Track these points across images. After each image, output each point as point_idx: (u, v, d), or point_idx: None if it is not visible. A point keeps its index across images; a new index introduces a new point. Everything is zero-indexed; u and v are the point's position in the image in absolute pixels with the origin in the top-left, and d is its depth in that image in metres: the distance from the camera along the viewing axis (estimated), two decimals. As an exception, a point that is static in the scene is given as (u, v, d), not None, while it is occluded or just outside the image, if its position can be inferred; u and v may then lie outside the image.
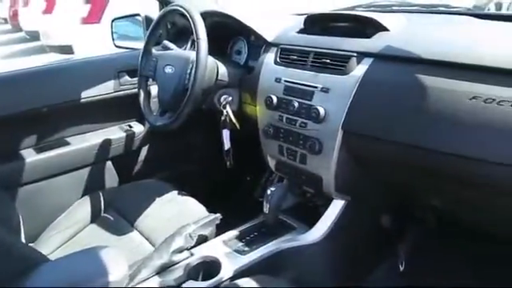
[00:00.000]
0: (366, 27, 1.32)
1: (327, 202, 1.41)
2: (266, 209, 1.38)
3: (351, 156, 1.28)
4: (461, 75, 1.05)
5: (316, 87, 1.30)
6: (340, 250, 1.43)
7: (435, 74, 1.09)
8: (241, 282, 1.18)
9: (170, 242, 1.31)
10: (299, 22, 1.52)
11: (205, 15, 1.62)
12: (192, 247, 1.34)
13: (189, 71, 1.43)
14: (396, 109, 1.15)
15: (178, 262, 1.28)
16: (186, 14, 1.43)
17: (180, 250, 1.30)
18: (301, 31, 1.49)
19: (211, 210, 1.50)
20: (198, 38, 1.39)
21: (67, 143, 1.71)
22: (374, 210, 1.51)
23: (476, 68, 1.04)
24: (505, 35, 1.17)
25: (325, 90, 1.28)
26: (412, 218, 1.61)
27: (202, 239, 1.39)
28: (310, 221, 1.42)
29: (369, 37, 1.28)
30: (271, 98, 1.40)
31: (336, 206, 1.39)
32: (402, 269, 1.61)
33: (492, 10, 2.10)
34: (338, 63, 1.28)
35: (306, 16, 1.49)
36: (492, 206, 1.09)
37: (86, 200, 1.61)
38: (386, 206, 1.53)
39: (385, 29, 1.28)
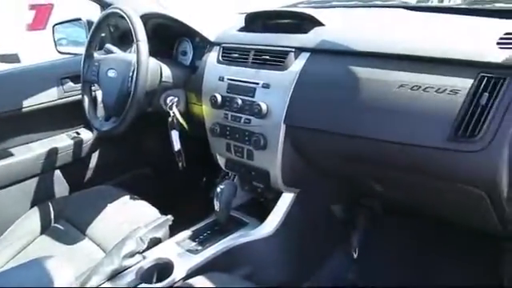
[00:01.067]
0: (303, 23, 1.36)
1: (277, 195, 1.44)
2: (216, 207, 1.39)
3: (296, 149, 1.31)
4: (389, 65, 1.10)
5: (257, 84, 1.33)
6: (293, 241, 1.46)
7: (367, 65, 1.14)
8: (193, 280, 1.19)
9: (120, 247, 1.29)
10: (241, 21, 1.53)
11: (146, 17, 1.61)
12: (144, 250, 1.34)
13: (131, 74, 1.42)
14: (333, 101, 1.18)
15: (129, 267, 1.27)
16: (125, 16, 1.42)
17: (131, 254, 1.29)
18: (242, 29, 1.51)
19: (165, 212, 1.49)
20: (137, 40, 1.38)
21: (11, 154, 1.66)
22: (324, 200, 1.55)
23: (403, 57, 1.09)
24: (432, 26, 1.23)
25: (266, 86, 1.31)
26: (361, 206, 1.66)
27: (155, 242, 1.39)
28: (262, 216, 1.45)
29: (305, 32, 1.31)
30: (215, 96, 1.41)
31: (285, 199, 1.42)
32: (355, 256, 1.67)
33: (435, 2, 2.19)
34: (276, 59, 1.31)
35: (246, 14, 1.51)
36: (428, 189, 1.15)
37: (35, 211, 1.57)
38: (336, 195, 1.57)
39: (320, 24, 1.32)
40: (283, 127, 1.28)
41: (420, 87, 1.03)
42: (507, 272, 1.33)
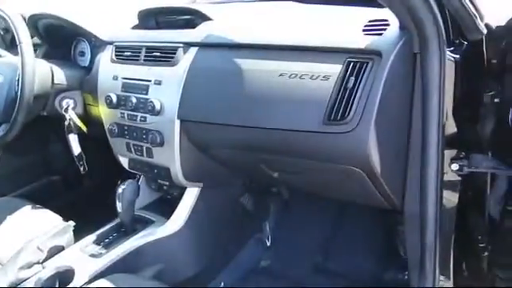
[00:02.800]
0: (193, 19, 1.37)
1: (182, 192, 1.45)
2: (119, 208, 1.37)
3: (193, 143, 1.32)
4: (271, 56, 1.14)
5: (150, 81, 1.32)
6: (201, 236, 1.48)
7: (251, 56, 1.17)
8: (94, 284, 1.16)
9: (15, 259, 1.23)
10: (134, 18, 1.51)
11: (36, 18, 1.55)
12: (45, 260, 1.29)
13: (17, 78, 1.36)
14: (222, 93, 1.21)
15: (27, 278, 1.22)
16: (6, 17, 1.35)
17: (29, 265, 1.24)
18: (135, 27, 1.50)
19: (74, 219, 1.44)
20: (20, 42, 1.32)
21: None
22: (231, 192, 1.58)
23: (282, 48, 1.14)
24: (308, 16, 1.29)
25: (158, 83, 1.30)
26: (271, 194, 1.71)
27: (58, 250, 1.34)
28: (170, 213, 1.45)
29: (194, 27, 1.33)
30: (110, 96, 1.39)
31: (190, 195, 1.43)
32: (268, 243, 1.71)
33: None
34: (167, 55, 1.31)
35: (138, 11, 1.49)
36: (315, 172, 1.20)
37: None
38: (243, 186, 1.60)
39: (209, 19, 1.34)
40: (178, 123, 1.28)
41: (297, 75, 1.07)
42: (401, 242, 1.43)
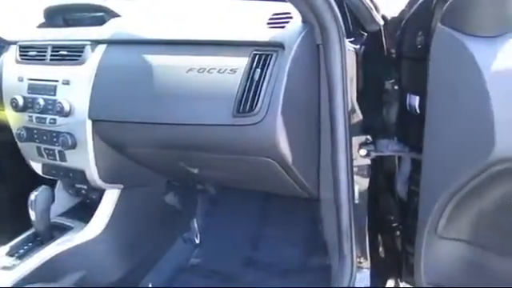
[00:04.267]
0: (101, 16, 1.33)
1: (102, 194, 1.40)
2: (32, 216, 1.30)
3: (108, 144, 1.28)
4: (179, 51, 1.14)
5: (57, 81, 1.27)
6: (126, 238, 1.44)
7: (160, 52, 1.16)
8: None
9: None
10: (40, 16, 1.44)
11: None
12: None
13: None
14: (133, 91, 1.18)
15: None
16: None
17: None
18: (41, 25, 1.43)
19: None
20: None
21: None
22: (155, 191, 1.55)
23: (191, 43, 1.14)
24: (218, 11, 1.30)
25: (66, 83, 1.25)
26: (197, 191, 1.70)
27: None
28: (89, 218, 1.40)
29: (102, 24, 1.29)
30: (16, 99, 1.32)
31: (109, 198, 1.39)
32: (197, 241, 1.71)
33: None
34: (74, 54, 1.26)
35: (44, 8, 1.42)
36: (231, 165, 1.22)
37: None
38: (167, 185, 1.58)
39: (117, 15, 1.31)
40: (89, 123, 1.24)
41: (205, 69, 1.08)
42: (324, 228, 1.47)
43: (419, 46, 1.03)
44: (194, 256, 1.68)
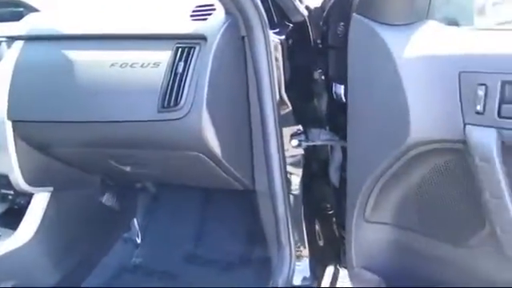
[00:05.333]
0: (20, 11, 1.27)
1: (31, 199, 1.34)
2: (-48, 226, 1.23)
3: (30, 145, 1.22)
4: (102, 46, 1.10)
5: None
6: (59, 243, 1.39)
7: (81, 48, 1.12)
8: None
9: None
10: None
11: None
12: None
13: None
14: (54, 88, 1.13)
15: None
16: None
17: None
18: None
19: None
20: None
21: None
22: (89, 192, 1.50)
23: (113, 37, 1.10)
24: (145, 4, 1.27)
25: (-19, 82, 1.18)
26: (135, 190, 1.66)
27: None
28: (18, 224, 1.33)
29: (19, 19, 1.22)
30: None
31: (38, 201, 1.32)
32: (139, 241, 1.67)
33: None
34: (-12, 51, 1.19)
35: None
36: (162, 162, 1.20)
37: None
38: (101, 185, 1.53)
39: (35, 10, 1.25)
40: (9, 124, 1.17)
41: (127, 64, 1.05)
42: (262, 219, 1.47)
43: (340, 36, 1.05)
44: (135, 256, 1.64)
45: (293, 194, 1.29)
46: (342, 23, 1.04)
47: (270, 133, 1.14)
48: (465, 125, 0.84)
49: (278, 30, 1.13)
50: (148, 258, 1.64)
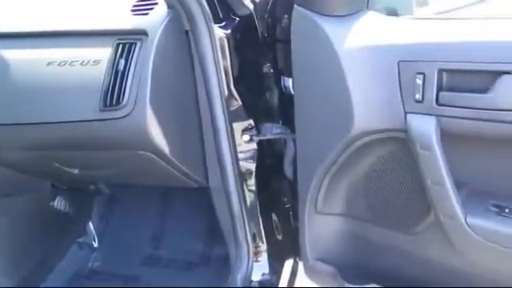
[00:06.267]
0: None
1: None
2: None
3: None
4: (37, 44, 1.05)
5: None
6: (12, 248, 1.35)
7: (15, 46, 1.06)
8: None
9: None
10: None
11: None
12: None
13: None
14: None
15: None
16: None
17: None
18: None
19: None
20: None
21: None
22: (39, 197, 1.44)
23: (50, 34, 1.06)
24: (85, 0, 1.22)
25: None
26: (90, 193, 1.61)
27: None
28: None
29: None
30: None
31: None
32: (95, 245, 1.62)
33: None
34: None
35: None
36: (111, 163, 1.16)
37: None
38: (52, 189, 1.48)
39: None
40: None
41: (66, 62, 1.01)
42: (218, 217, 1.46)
43: (285, 28, 1.04)
44: (92, 260, 1.60)
45: (248, 190, 1.28)
46: (286, 16, 1.03)
47: (220, 128, 1.12)
48: (406, 113, 0.85)
49: (223, 24, 1.12)
50: (106, 261, 1.60)
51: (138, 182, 1.35)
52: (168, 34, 1.00)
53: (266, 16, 1.13)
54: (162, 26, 0.99)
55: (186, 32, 1.04)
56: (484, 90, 0.77)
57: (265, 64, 1.21)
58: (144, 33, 0.99)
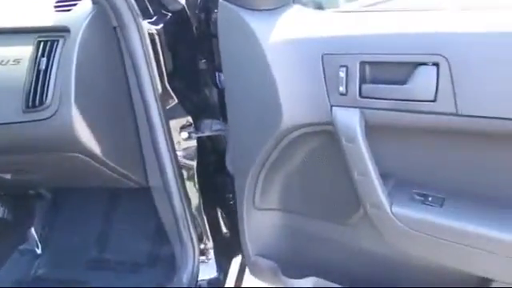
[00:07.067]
0: None
1: None
2: None
3: None
4: None
5: None
6: None
7: None
8: None
9: None
10: None
11: None
12: None
13: None
14: None
15: None
16: None
17: None
18: None
19: None
20: None
21: None
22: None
23: None
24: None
25: None
26: (30, 198, 1.55)
27: None
28: None
29: None
30: None
31: None
32: (39, 251, 1.56)
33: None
34: None
35: None
36: (40, 165, 1.11)
37: None
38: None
39: None
40: None
41: (2, 61, 0.96)
42: (162, 217, 1.43)
43: (215, 23, 1.03)
44: (36, 267, 1.54)
45: (190, 188, 1.26)
46: (216, 10, 1.01)
47: (156, 126, 1.10)
48: (331, 107, 0.85)
49: (154, 19, 1.09)
50: (51, 267, 1.55)
51: (77, 184, 1.30)
52: (92, 30, 0.97)
53: (196, 11, 1.11)
54: (86, 23, 0.96)
55: (114, 28, 1.01)
56: (403, 82, 0.79)
57: (200, 60, 1.19)
58: (66, 30, 0.95)
